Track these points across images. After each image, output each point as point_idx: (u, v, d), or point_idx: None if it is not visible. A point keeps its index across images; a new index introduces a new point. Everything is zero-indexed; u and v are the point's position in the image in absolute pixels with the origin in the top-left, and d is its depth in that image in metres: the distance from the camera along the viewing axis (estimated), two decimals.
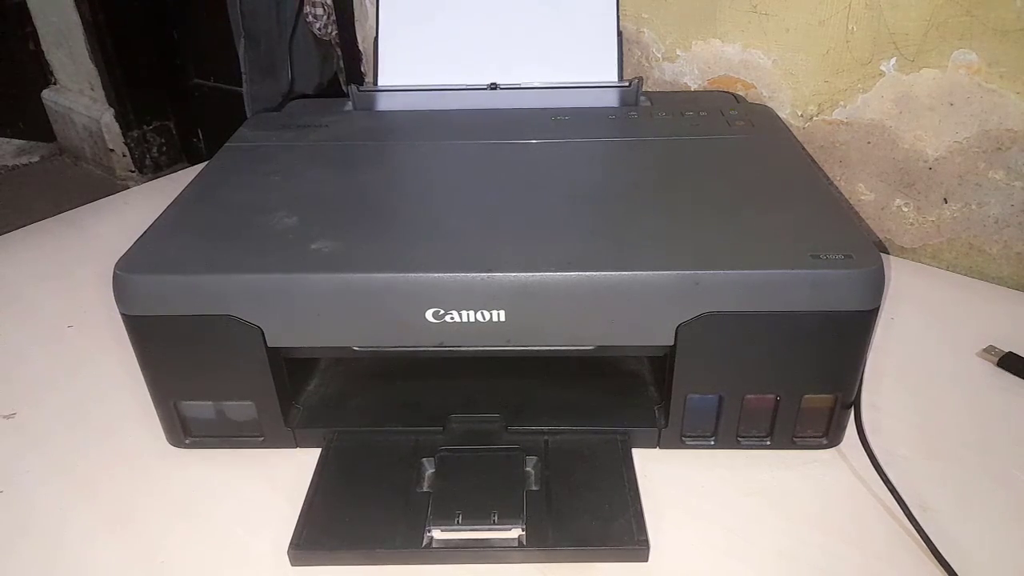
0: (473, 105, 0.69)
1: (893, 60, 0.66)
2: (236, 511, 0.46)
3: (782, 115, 0.71)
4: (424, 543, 0.42)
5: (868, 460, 0.46)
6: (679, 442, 0.48)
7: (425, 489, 0.45)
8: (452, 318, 0.43)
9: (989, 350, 0.56)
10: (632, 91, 0.70)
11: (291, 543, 0.42)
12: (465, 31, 0.73)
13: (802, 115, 0.73)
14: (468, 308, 0.43)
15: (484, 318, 0.43)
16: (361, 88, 0.71)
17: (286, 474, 0.48)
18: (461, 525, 0.42)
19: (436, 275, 0.43)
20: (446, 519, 0.42)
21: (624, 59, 0.73)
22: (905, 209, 0.71)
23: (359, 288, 0.43)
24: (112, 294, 0.44)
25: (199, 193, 0.54)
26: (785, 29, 0.70)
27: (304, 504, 0.44)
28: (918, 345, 0.58)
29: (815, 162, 0.73)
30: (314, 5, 1.06)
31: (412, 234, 0.47)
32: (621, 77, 0.72)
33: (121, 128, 1.93)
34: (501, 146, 0.59)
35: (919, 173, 0.69)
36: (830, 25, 0.68)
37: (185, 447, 0.50)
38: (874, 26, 0.66)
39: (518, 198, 0.52)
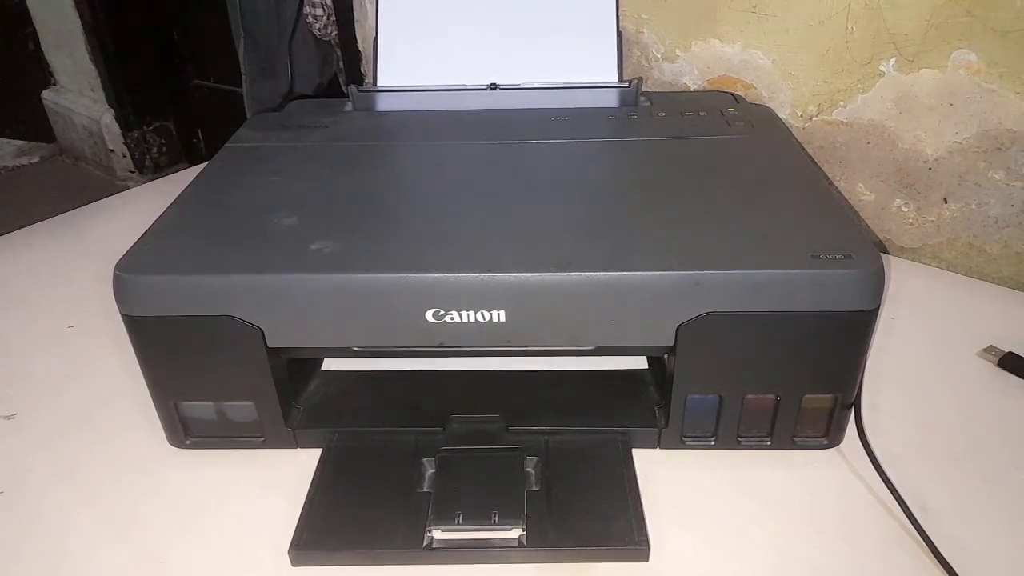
0: (473, 105, 0.69)
1: (893, 60, 0.66)
2: (237, 511, 0.46)
3: (782, 115, 0.71)
4: (425, 543, 0.42)
5: (868, 460, 0.46)
6: (679, 442, 0.48)
7: (426, 489, 0.45)
8: (452, 318, 0.43)
9: (989, 350, 0.56)
10: (632, 91, 0.70)
11: (292, 543, 0.42)
12: (465, 31, 0.73)
13: (802, 115, 0.73)
14: (468, 308, 0.43)
15: (484, 318, 0.43)
16: (361, 88, 0.71)
17: (286, 474, 0.48)
18: (462, 525, 0.42)
19: (436, 275, 0.43)
20: (447, 519, 0.42)
21: (624, 59, 0.73)
22: (905, 209, 0.71)
23: (359, 288, 0.43)
24: (112, 295, 0.44)
25: (199, 194, 0.54)
26: (784, 29, 0.70)
27: (305, 504, 0.44)
28: (918, 345, 0.58)
29: (815, 162, 0.73)
30: (314, 5, 1.06)
31: (412, 234, 0.47)
32: (621, 77, 0.72)
33: (121, 129, 1.93)
34: (501, 146, 0.59)
35: (919, 173, 0.69)
36: (829, 25, 0.68)
37: (186, 448, 0.50)
38: (874, 26, 0.66)
39: (518, 198, 0.52)
